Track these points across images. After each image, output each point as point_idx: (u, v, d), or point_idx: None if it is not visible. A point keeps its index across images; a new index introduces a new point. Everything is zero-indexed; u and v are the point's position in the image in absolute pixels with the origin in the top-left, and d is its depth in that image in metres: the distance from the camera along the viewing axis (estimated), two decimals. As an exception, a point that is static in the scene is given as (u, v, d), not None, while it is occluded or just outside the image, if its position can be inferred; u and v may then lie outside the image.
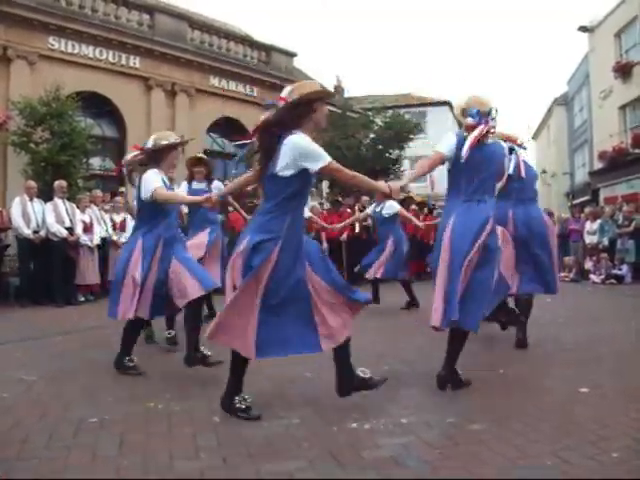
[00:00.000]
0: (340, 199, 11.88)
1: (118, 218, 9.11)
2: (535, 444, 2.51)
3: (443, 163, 3.46)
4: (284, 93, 2.90)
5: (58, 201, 8.17)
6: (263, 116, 2.98)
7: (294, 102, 2.83)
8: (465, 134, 3.38)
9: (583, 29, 21.33)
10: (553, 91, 70.45)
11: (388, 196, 3.45)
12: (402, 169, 18.35)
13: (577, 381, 3.53)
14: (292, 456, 2.42)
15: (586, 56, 22.59)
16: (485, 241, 3.28)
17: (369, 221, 9.07)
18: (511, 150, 4.22)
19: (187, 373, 3.75)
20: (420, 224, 7.33)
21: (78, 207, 8.46)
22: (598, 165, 20.67)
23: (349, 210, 11.22)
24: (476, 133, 3.30)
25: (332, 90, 17.27)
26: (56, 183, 8.31)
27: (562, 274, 11.63)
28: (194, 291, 3.64)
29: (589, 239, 12.03)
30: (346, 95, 21.44)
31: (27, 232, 7.89)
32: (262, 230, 2.79)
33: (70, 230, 8.10)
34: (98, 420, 2.88)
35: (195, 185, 5.42)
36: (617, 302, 8.48)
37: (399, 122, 17.72)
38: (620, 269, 11.11)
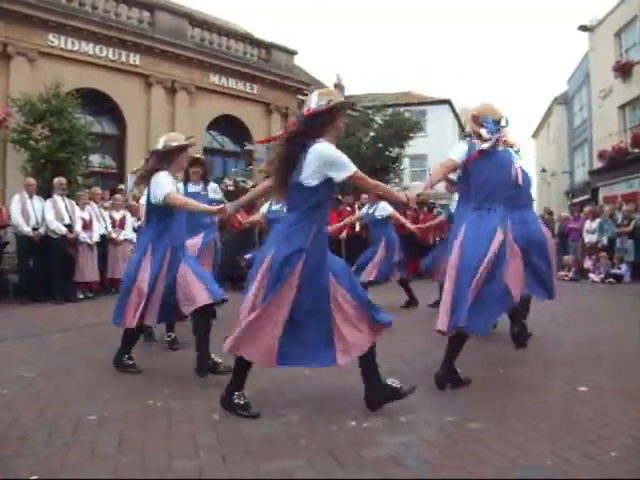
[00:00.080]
0: (340, 197, 11.86)
1: (117, 215, 9.11)
2: (535, 443, 2.51)
3: (455, 170, 3.55)
4: (309, 102, 2.89)
5: (57, 198, 8.16)
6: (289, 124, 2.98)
7: (319, 111, 2.82)
8: (476, 142, 3.45)
9: (583, 28, 21.32)
10: (553, 90, 70.50)
11: (405, 205, 3.53)
12: (402, 167, 18.33)
13: (577, 380, 3.53)
14: (291, 454, 2.42)
15: (586, 55, 22.57)
16: (496, 251, 3.32)
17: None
18: None
19: (186, 371, 3.74)
20: (413, 227, 7.27)
21: (77, 204, 8.46)
22: (598, 164, 20.66)
23: (349, 208, 11.20)
24: (485, 146, 3.38)
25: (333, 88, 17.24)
26: (55, 180, 8.30)
27: (561, 273, 11.66)
28: (202, 298, 3.56)
29: (588, 238, 12.05)
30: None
31: (26, 229, 7.88)
32: (287, 243, 2.78)
33: (69, 227, 8.10)
34: (97, 417, 2.88)
35: (191, 188, 5.28)
36: (616, 301, 8.49)
37: (399, 120, 17.69)
38: (619, 268, 11.12)
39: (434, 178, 3.54)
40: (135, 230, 8.16)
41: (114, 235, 8.86)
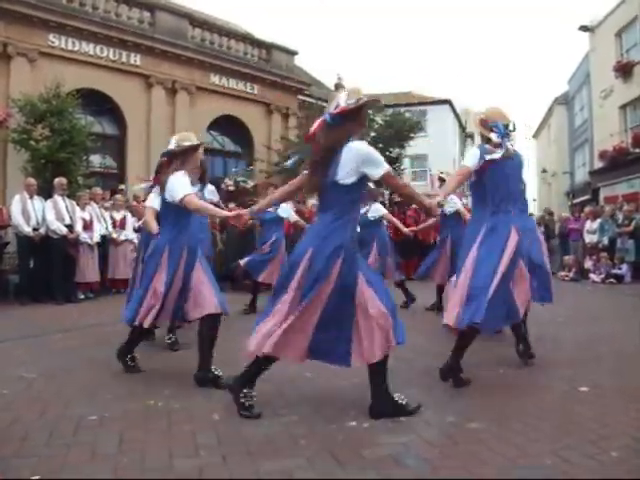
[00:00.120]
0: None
1: (118, 216, 9.11)
2: (535, 443, 2.51)
3: (471, 176, 3.58)
4: (338, 100, 2.88)
5: (58, 198, 8.16)
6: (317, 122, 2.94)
7: (349, 109, 2.82)
8: (486, 146, 3.50)
9: (584, 28, 21.30)
10: (554, 90, 70.42)
11: (428, 212, 3.57)
12: (402, 167, 18.30)
13: (577, 380, 3.53)
14: (291, 454, 2.42)
15: (587, 55, 22.56)
16: (514, 250, 3.37)
17: None
18: None
19: (187, 371, 3.74)
20: (406, 230, 7.21)
21: (78, 205, 8.45)
22: (598, 164, 20.65)
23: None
24: (496, 156, 3.43)
25: (333, 88, 17.24)
26: (56, 180, 8.30)
27: (562, 273, 11.67)
28: (210, 306, 3.52)
29: (589, 238, 12.04)
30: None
31: (27, 230, 7.88)
32: (328, 241, 2.77)
33: (70, 228, 8.09)
34: (97, 418, 2.88)
35: None
36: (617, 301, 8.48)
37: (399, 120, 17.67)
38: (620, 268, 11.11)
39: (450, 186, 3.61)
40: (136, 230, 8.16)
41: (115, 235, 8.87)
